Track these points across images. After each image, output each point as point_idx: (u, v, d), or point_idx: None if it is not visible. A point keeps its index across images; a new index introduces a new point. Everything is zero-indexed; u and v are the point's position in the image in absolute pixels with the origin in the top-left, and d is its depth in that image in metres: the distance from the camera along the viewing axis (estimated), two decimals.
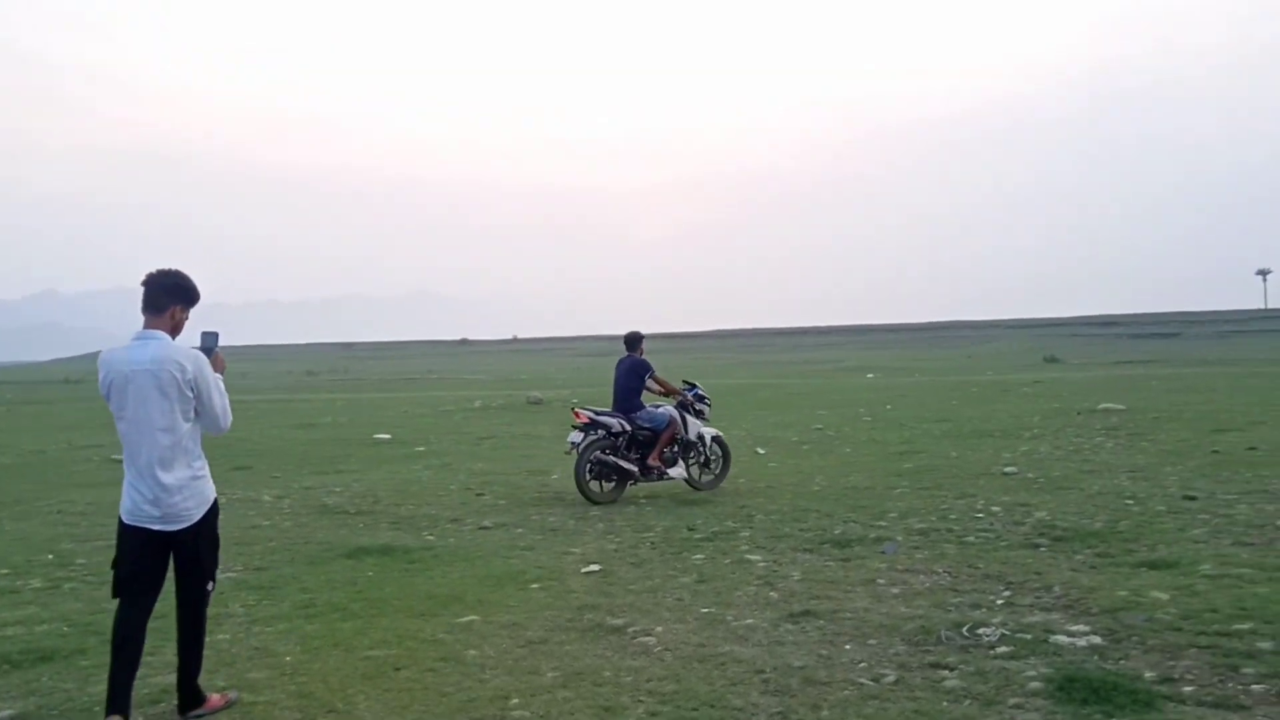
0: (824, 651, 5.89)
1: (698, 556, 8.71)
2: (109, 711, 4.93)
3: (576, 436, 12.50)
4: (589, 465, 12.33)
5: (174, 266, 5.22)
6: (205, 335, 5.36)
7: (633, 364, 12.98)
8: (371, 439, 21.61)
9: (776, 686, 5.30)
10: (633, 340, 13.17)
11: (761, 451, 17.40)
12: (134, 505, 5.05)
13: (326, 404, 37.31)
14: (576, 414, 12.65)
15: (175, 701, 5.24)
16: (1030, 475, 12.99)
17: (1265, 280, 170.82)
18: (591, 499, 12.13)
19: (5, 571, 8.75)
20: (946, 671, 5.44)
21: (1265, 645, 5.60)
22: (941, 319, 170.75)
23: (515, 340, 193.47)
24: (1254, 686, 5.03)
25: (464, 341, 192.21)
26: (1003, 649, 5.78)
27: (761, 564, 8.32)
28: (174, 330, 5.15)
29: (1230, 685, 5.07)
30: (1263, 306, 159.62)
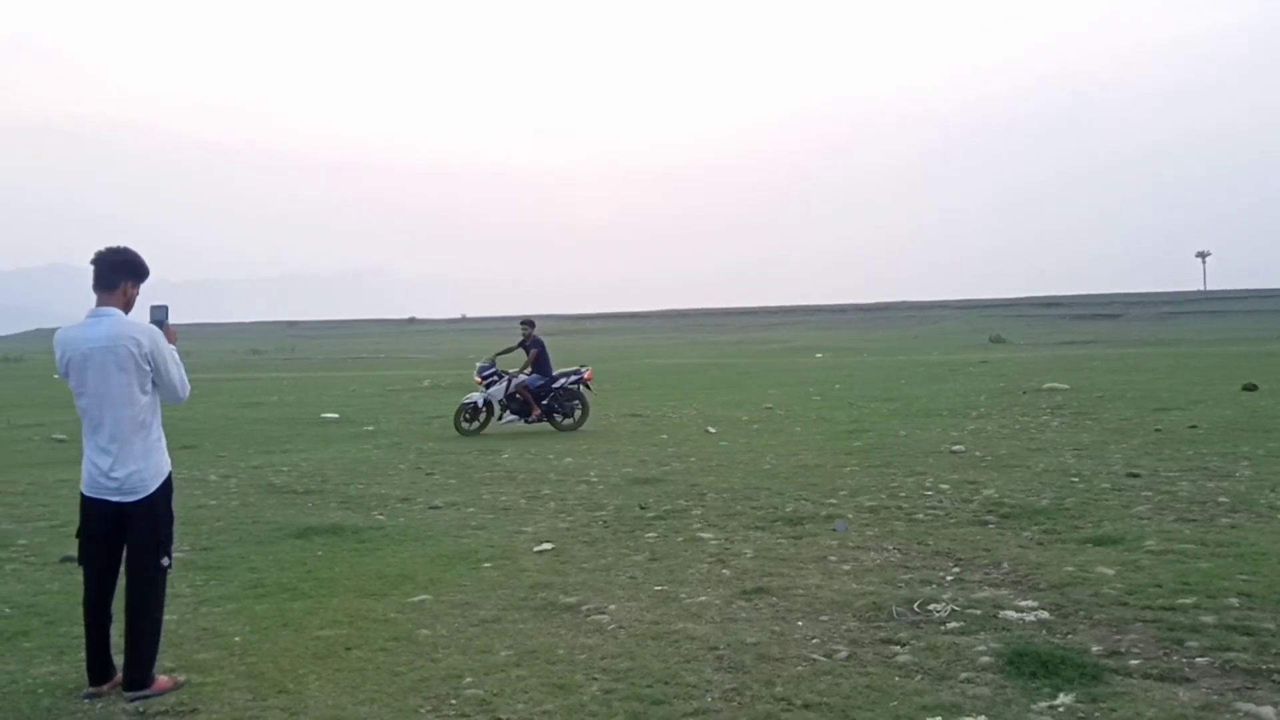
0: (777, 628, 5.92)
1: (650, 535, 8.73)
2: (91, 683, 5.19)
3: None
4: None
5: (120, 244, 5.35)
6: (154, 309, 5.43)
7: None
8: (319, 418, 21.41)
9: (730, 663, 5.32)
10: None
11: (712, 430, 17.46)
12: (91, 478, 5.20)
13: (272, 383, 36.88)
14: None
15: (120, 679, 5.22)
16: (978, 453, 13.15)
17: (1205, 263, 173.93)
18: None
19: None
20: (898, 647, 5.49)
21: (1208, 619, 5.71)
22: (887, 299, 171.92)
23: (464, 319, 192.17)
24: (1198, 659, 5.13)
25: (411, 320, 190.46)
26: (953, 624, 5.85)
27: (714, 542, 8.35)
28: (126, 306, 5.31)
29: (1175, 658, 5.17)
30: (1202, 288, 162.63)
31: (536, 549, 8.27)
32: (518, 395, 18.20)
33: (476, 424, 18.02)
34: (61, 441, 16.10)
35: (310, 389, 32.57)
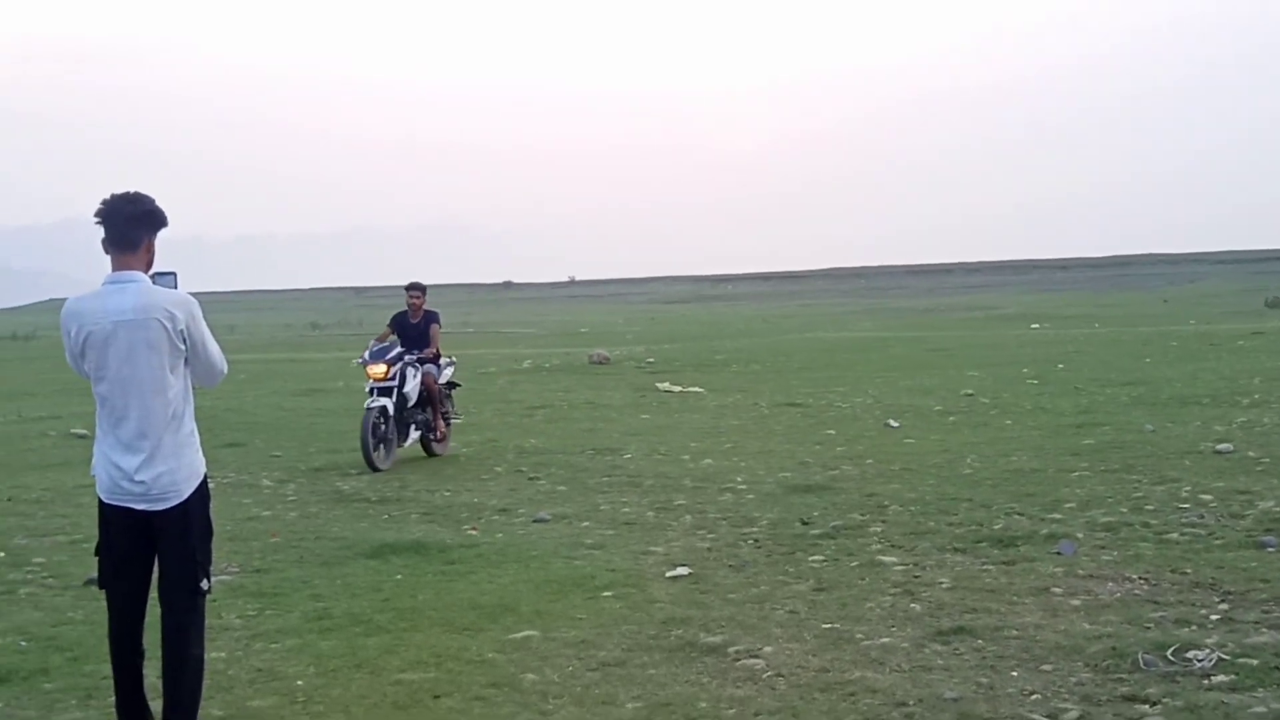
0: (984, 679, 5.89)
1: (816, 558, 8.73)
2: None
3: None
4: None
5: (133, 190, 5.37)
6: (160, 277, 5.46)
7: None
8: None
9: None
10: None
11: (894, 424, 17.30)
12: (112, 481, 5.28)
13: (337, 364, 37.75)
14: None
15: None
16: (1251, 454, 12.77)
17: None
18: None
19: None
20: (1146, 706, 5.42)
21: None
22: (1128, 252, 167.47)
23: (572, 283, 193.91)
24: None
25: (508, 285, 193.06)
26: (1220, 677, 5.73)
27: (899, 568, 8.32)
28: (148, 267, 5.37)
29: None
30: None
31: (669, 574, 8.34)
32: (424, 393, 15.37)
33: (383, 451, 14.40)
34: (81, 437, 16.75)
35: None
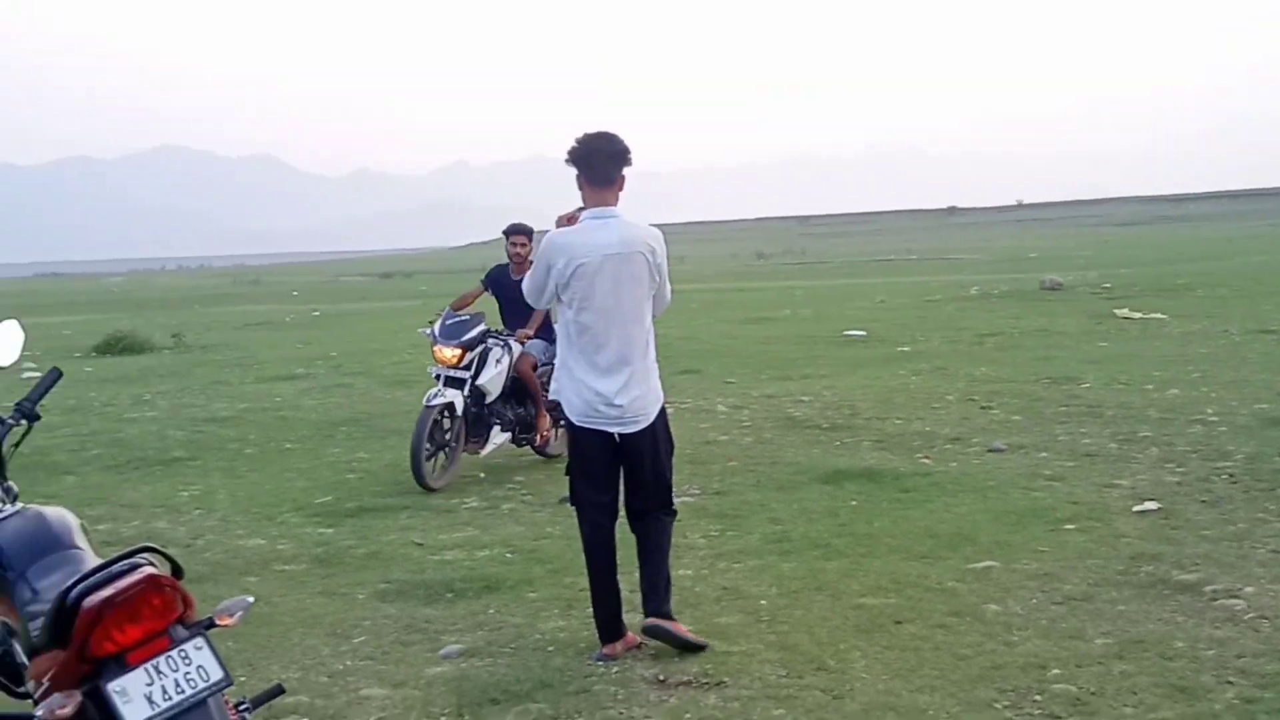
0: None
1: None
2: (603, 641, 5.76)
3: None
4: None
5: (605, 129, 5.75)
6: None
7: None
8: (842, 336, 22.01)
9: None
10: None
11: None
12: (587, 405, 5.66)
13: (783, 293, 38.38)
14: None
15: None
16: None
17: None
18: None
19: None
20: None
21: None
22: None
23: (1020, 206, 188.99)
24: None
25: (952, 210, 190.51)
26: None
27: None
28: (618, 201, 5.73)
29: None
30: None
31: (1136, 509, 8.06)
32: (518, 383, 11.13)
33: (443, 459, 10.35)
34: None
35: (828, 300, 33.55)
